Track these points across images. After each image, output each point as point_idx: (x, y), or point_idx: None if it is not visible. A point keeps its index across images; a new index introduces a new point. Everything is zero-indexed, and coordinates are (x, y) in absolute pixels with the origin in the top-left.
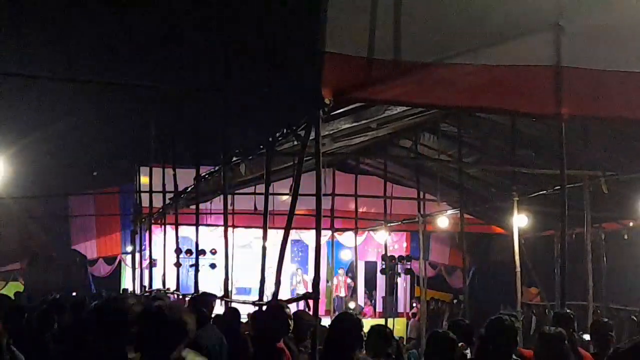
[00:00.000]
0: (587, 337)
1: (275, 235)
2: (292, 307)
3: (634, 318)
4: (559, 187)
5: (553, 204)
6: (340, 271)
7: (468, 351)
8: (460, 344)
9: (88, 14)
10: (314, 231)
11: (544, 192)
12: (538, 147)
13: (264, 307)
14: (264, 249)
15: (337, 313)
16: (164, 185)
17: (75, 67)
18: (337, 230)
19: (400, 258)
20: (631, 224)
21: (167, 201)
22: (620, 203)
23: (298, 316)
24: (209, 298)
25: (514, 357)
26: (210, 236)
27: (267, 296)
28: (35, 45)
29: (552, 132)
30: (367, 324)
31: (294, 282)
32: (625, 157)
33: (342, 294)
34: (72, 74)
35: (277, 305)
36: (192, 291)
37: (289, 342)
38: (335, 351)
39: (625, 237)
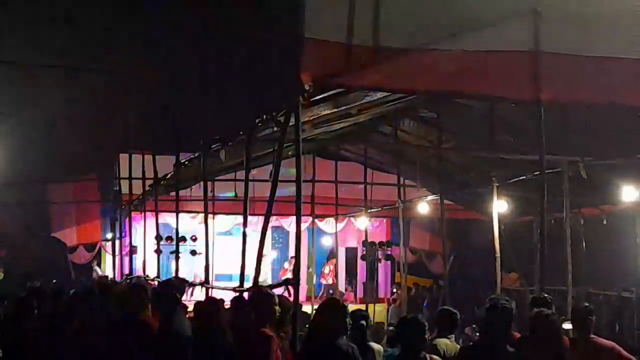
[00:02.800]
0: (567, 325)
1: (256, 222)
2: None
3: (626, 295)
4: (538, 172)
5: (532, 190)
6: (332, 260)
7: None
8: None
9: None
10: (294, 217)
11: (524, 177)
12: (517, 132)
13: (245, 294)
14: (244, 235)
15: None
16: (143, 172)
17: (53, 53)
18: (318, 216)
19: (381, 244)
20: (610, 209)
21: (147, 188)
22: (599, 188)
23: (279, 302)
24: (183, 282)
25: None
26: (190, 223)
27: (248, 283)
28: (11, 30)
29: (531, 118)
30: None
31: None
32: (604, 142)
33: (331, 282)
34: (50, 59)
35: (263, 292)
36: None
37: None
38: (319, 336)
39: (604, 222)
